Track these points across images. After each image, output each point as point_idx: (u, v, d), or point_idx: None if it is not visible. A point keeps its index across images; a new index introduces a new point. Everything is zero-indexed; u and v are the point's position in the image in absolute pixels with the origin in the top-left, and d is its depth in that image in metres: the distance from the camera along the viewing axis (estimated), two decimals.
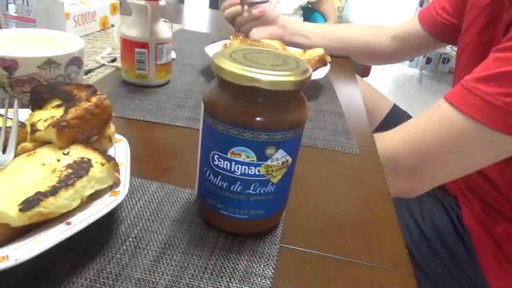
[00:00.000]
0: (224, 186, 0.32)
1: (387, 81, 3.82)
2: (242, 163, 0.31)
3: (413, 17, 0.92)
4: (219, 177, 0.32)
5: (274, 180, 0.32)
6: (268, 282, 0.31)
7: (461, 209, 0.71)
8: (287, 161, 0.32)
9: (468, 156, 0.54)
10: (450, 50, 3.81)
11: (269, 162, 0.31)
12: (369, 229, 0.39)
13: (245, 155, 0.30)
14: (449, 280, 0.65)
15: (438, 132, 0.54)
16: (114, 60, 0.74)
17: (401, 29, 0.95)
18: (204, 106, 0.32)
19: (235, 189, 0.32)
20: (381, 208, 0.42)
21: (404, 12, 3.87)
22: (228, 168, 0.31)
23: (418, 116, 0.61)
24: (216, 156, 0.31)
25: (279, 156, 0.31)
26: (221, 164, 0.31)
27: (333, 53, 0.92)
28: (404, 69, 4.23)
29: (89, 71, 0.67)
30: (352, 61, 0.98)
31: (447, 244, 0.67)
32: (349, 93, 0.77)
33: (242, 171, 0.31)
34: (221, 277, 0.30)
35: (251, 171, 0.31)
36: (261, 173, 0.31)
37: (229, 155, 0.30)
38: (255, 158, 0.30)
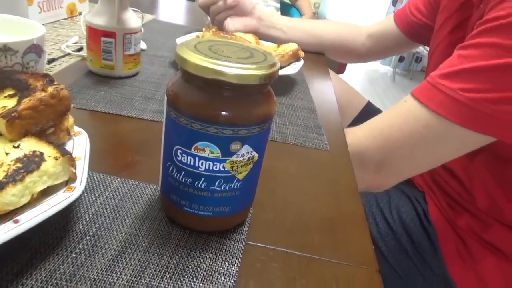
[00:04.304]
0: (188, 182, 0.31)
1: (361, 78, 3.88)
2: (206, 159, 0.29)
3: (389, 16, 0.93)
4: (183, 173, 0.31)
5: (240, 177, 0.31)
6: (232, 281, 0.30)
7: (427, 203, 0.72)
8: (253, 157, 0.31)
9: (433, 151, 0.56)
10: (422, 49, 3.90)
11: (234, 158, 0.30)
12: (336, 225, 0.39)
13: (209, 150, 0.29)
14: (414, 272, 0.66)
15: (404, 126, 0.55)
16: (80, 50, 0.71)
17: (376, 28, 0.95)
18: (167, 98, 0.30)
19: (199, 186, 0.31)
20: (348, 204, 0.42)
21: (377, 10, 3.94)
22: (192, 163, 0.30)
23: (385, 112, 0.61)
24: (179, 151, 0.30)
25: (245, 152, 0.30)
26: (184, 159, 0.30)
27: (308, 49, 0.92)
28: (377, 66, 4.31)
29: (53, 60, 0.64)
30: (326, 57, 0.98)
31: (412, 237, 0.68)
32: (322, 89, 0.77)
33: (206, 167, 0.30)
34: (183, 276, 0.29)
35: (216, 167, 0.30)
36: (226, 169, 0.30)
37: (192, 150, 0.29)
38: (219, 154, 0.29)
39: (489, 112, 0.48)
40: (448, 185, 0.70)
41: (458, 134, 0.52)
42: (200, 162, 0.30)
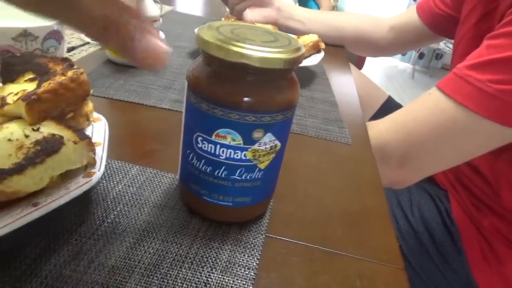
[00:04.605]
0: (208, 171, 0.30)
1: (380, 74, 3.82)
2: (227, 147, 0.28)
3: (411, 8, 0.90)
4: (203, 161, 0.30)
5: (262, 166, 0.30)
6: (252, 273, 0.29)
7: (450, 202, 0.70)
8: (275, 146, 0.30)
9: (459, 145, 0.53)
10: (443, 46, 3.81)
11: (256, 146, 0.29)
12: (359, 220, 0.37)
13: (231, 137, 0.28)
14: (435, 273, 0.64)
15: (429, 120, 0.53)
16: None
17: (398, 20, 0.93)
18: (187, 83, 0.29)
19: (219, 174, 0.30)
20: (372, 198, 0.41)
21: (397, 3, 3.86)
22: (213, 151, 0.29)
23: (409, 105, 0.59)
24: (199, 138, 0.29)
25: (267, 140, 0.29)
26: (205, 147, 0.29)
27: (328, 41, 0.90)
28: (396, 63, 4.23)
29: (72, 48, 0.64)
30: (346, 50, 0.96)
31: (434, 237, 0.66)
32: (343, 82, 0.76)
33: (227, 155, 0.29)
34: (202, 267, 0.28)
35: (237, 156, 0.29)
36: (247, 157, 0.29)
37: (213, 138, 0.28)
38: (241, 142, 0.28)
39: None
40: (473, 183, 0.68)
41: (486, 128, 0.49)
42: (221, 150, 0.29)
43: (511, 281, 0.60)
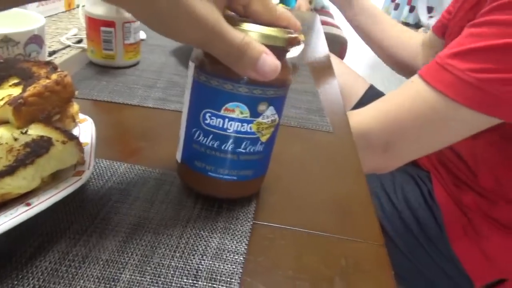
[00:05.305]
0: (215, 146, 0.32)
1: (362, 64, 3.86)
2: (235, 120, 0.31)
3: (428, 33, 0.92)
4: (211, 136, 0.32)
5: (263, 139, 0.32)
6: (241, 258, 0.30)
7: (432, 183, 0.73)
8: (275, 119, 0.32)
9: (439, 132, 0.55)
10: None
11: (260, 119, 0.31)
12: (342, 204, 0.39)
13: (239, 110, 0.30)
14: (420, 252, 0.67)
15: (411, 108, 0.55)
16: (80, 41, 0.71)
17: (427, 39, 0.94)
18: (195, 64, 0.31)
19: (226, 148, 0.32)
20: (353, 183, 0.43)
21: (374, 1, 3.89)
22: (221, 125, 0.31)
23: (392, 92, 0.61)
24: (208, 115, 0.31)
25: (270, 114, 0.31)
26: (213, 122, 0.31)
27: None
28: None
29: (53, 52, 0.64)
30: (327, 41, 0.98)
31: (417, 217, 0.68)
32: (324, 72, 0.77)
33: (235, 128, 0.31)
34: (193, 255, 0.30)
35: (244, 128, 0.31)
36: (252, 130, 0.31)
37: (222, 112, 0.30)
38: (248, 114, 0.30)
39: (497, 94, 0.47)
40: (453, 164, 0.70)
41: (465, 116, 0.51)
42: (229, 124, 0.31)
43: (490, 253, 0.63)
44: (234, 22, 0.28)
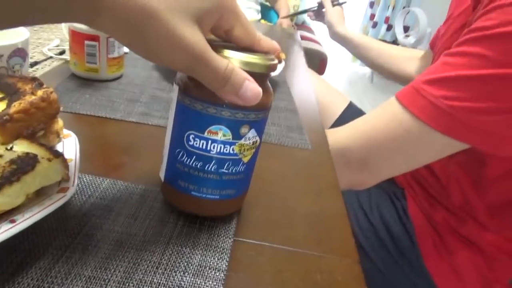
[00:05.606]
0: (198, 166, 0.33)
1: (341, 79, 3.95)
2: (218, 142, 0.32)
3: (425, 51, 0.97)
4: (194, 157, 0.33)
5: (245, 160, 0.34)
6: (222, 275, 0.31)
7: (406, 200, 0.75)
8: (256, 141, 0.34)
9: (413, 154, 0.58)
10: None
11: (242, 141, 0.32)
12: (319, 220, 0.41)
13: (222, 133, 0.31)
14: (394, 267, 0.69)
15: (387, 129, 0.57)
16: (62, 53, 0.71)
17: (427, 52, 0.98)
18: (180, 87, 0.32)
19: (209, 169, 0.33)
20: (331, 200, 0.44)
21: (355, 13, 4.01)
22: (204, 147, 0.32)
23: (369, 113, 0.64)
24: (192, 136, 0.32)
25: (251, 136, 0.33)
26: (196, 143, 0.32)
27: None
28: (356, 68, 4.39)
29: (35, 63, 0.64)
30: (306, 58, 1.01)
31: (392, 233, 0.71)
32: (303, 90, 0.80)
33: (218, 150, 0.32)
34: (175, 272, 0.31)
35: (226, 150, 0.32)
36: (234, 151, 0.32)
37: (206, 134, 0.32)
38: (230, 137, 0.32)
39: (467, 121, 0.50)
40: (427, 182, 0.73)
41: (437, 140, 0.54)
42: (212, 145, 0.32)
43: (459, 269, 0.66)
44: (217, 48, 0.29)
